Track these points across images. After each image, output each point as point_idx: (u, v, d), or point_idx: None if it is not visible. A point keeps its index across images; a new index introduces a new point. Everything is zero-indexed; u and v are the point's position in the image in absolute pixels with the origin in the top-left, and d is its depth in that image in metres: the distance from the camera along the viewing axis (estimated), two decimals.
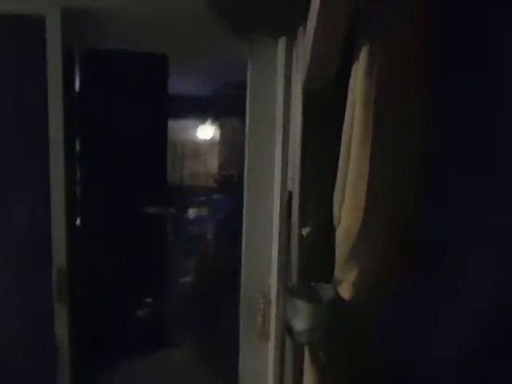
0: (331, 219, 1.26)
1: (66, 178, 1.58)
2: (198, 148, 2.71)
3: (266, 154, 1.40)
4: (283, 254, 1.33)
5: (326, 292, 1.21)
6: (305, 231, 1.25)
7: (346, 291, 1.17)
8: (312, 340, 1.14)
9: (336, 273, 1.21)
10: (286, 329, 1.28)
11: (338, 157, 1.24)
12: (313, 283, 1.25)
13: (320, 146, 1.30)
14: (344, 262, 1.19)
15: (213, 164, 2.55)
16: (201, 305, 2.15)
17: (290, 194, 1.37)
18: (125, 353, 1.92)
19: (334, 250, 1.24)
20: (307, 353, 1.23)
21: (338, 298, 1.17)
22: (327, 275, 1.25)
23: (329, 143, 1.28)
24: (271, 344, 1.45)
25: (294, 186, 1.34)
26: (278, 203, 1.35)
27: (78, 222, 1.78)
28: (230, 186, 2.32)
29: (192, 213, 2.44)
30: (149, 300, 2.18)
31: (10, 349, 1.37)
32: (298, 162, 1.29)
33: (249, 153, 1.42)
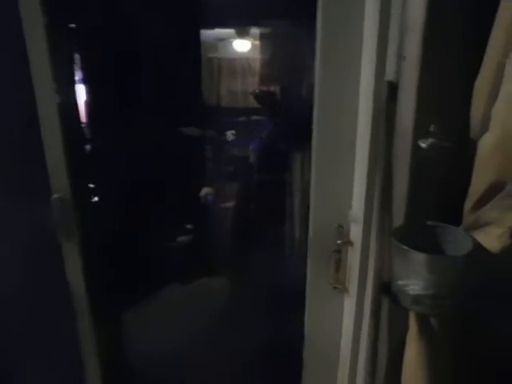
0: (463, 129, 0.80)
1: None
2: (235, 63, 2.22)
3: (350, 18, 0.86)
4: (373, 175, 0.88)
5: (458, 238, 0.77)
6: (424, 143, 0.79)
7: (494, 239, 0.74)
8: (440, 311, 0.73)
9: (474, 209, 0.77)
10: (384, 287, 0.88)
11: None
12: (433, 223, 0.82)
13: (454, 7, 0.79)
14: (488, 190, 0.75)
15: (252, 81, 2.10)
16: (245, 232, 1.85)
17: (392, 87, 0.88)
18: (159, 284, 1.71)
19: (465, 176, 0.79)
20: (414, 322, 0.84)
21: (479, 249, 0.74)
22: (453, 214, 0.81)
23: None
24: (350, 299, 1.07)
25: (403, 70, 0.84)
26: (369, 100, 0.88)
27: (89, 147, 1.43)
28: (270, 103, 1.91)
29: (231, 135, 2.07)
30: (188, 226, 1.92)
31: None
32: (420, 20, 0.77)
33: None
